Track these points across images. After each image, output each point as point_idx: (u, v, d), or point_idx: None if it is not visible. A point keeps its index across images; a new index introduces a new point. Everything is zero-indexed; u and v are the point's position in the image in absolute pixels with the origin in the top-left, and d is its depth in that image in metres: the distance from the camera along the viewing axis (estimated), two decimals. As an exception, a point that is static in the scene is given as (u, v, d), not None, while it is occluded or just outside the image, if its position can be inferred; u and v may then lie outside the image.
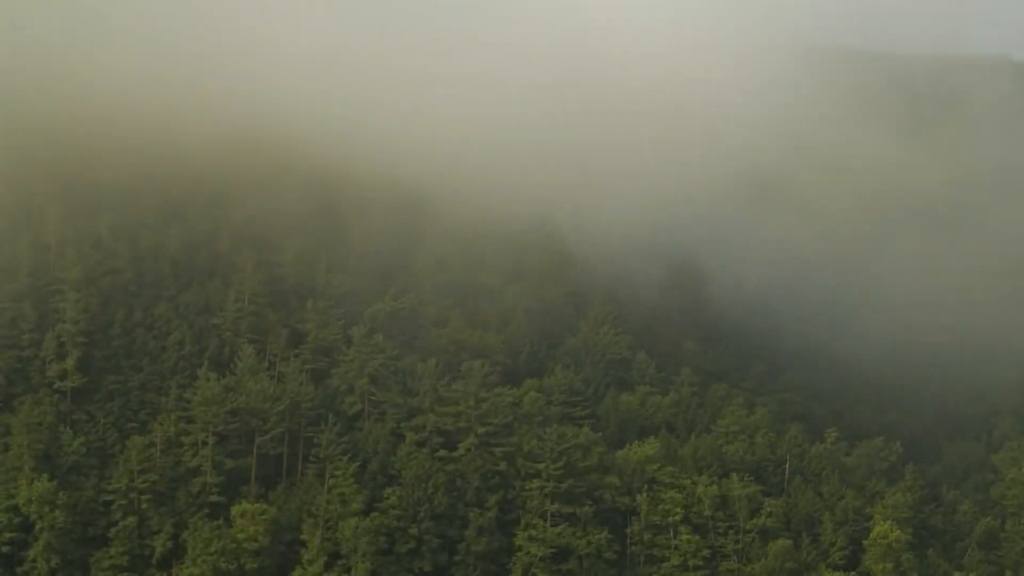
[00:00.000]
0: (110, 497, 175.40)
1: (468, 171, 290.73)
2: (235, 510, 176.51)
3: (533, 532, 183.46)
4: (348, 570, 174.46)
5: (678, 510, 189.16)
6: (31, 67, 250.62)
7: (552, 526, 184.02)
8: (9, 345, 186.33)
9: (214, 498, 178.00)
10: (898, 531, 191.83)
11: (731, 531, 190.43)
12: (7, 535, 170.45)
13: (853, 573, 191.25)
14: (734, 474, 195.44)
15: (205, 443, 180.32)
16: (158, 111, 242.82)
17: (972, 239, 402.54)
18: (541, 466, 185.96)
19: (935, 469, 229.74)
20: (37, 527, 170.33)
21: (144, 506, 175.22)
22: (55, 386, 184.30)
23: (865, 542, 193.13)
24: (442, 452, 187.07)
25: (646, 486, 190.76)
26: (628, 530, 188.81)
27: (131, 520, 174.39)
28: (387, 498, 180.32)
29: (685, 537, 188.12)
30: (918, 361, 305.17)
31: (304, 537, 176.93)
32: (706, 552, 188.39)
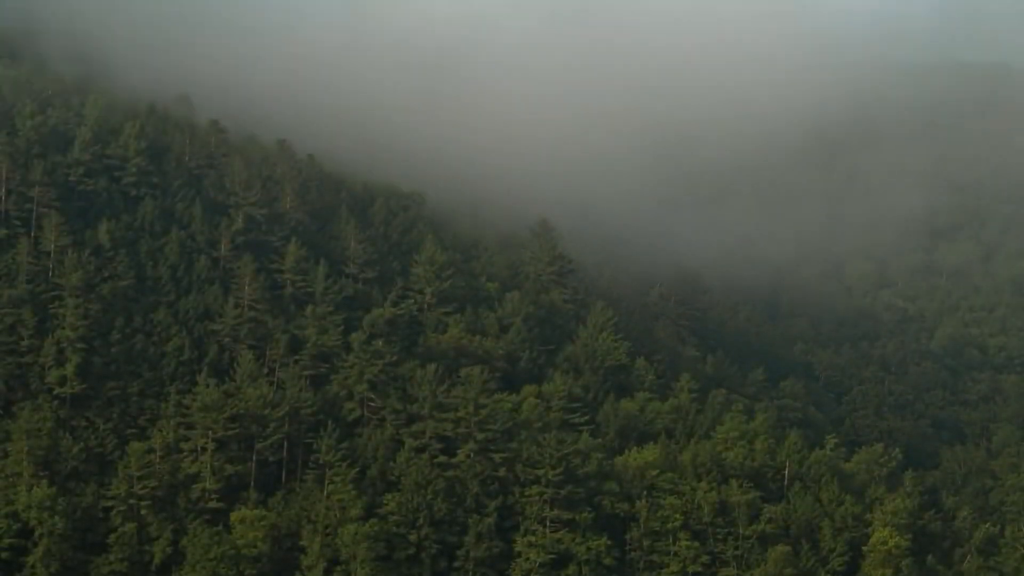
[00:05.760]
0: (109, 503, 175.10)
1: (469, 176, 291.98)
2: (234, 516, 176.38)
3: (532, 538, 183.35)
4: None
5: (677, 516, 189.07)
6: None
7: (551, 532, 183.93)
8: (8, 351, 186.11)
9: (213, 504, 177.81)
10: (897, 537, 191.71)
11: (730, 537, 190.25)
12: (6, 541, 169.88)
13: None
14: (733, 480, 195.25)
15: (204, 449, 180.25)
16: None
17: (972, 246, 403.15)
18: (540, 472, 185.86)
19: (934, 475, 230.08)
20: (36, 533, 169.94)
21: (143, 512, 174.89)
22: (54, 392, 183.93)
23: (864, 548, 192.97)
24: (441, 458, 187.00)
25: (645, 492, 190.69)
26: (627, 536, 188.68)
27: (130, 526, 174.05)
28: (386, 504, 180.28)
29: (684, 543, 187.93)
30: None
31: (303, 543, 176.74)
32: (705, 558, 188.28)
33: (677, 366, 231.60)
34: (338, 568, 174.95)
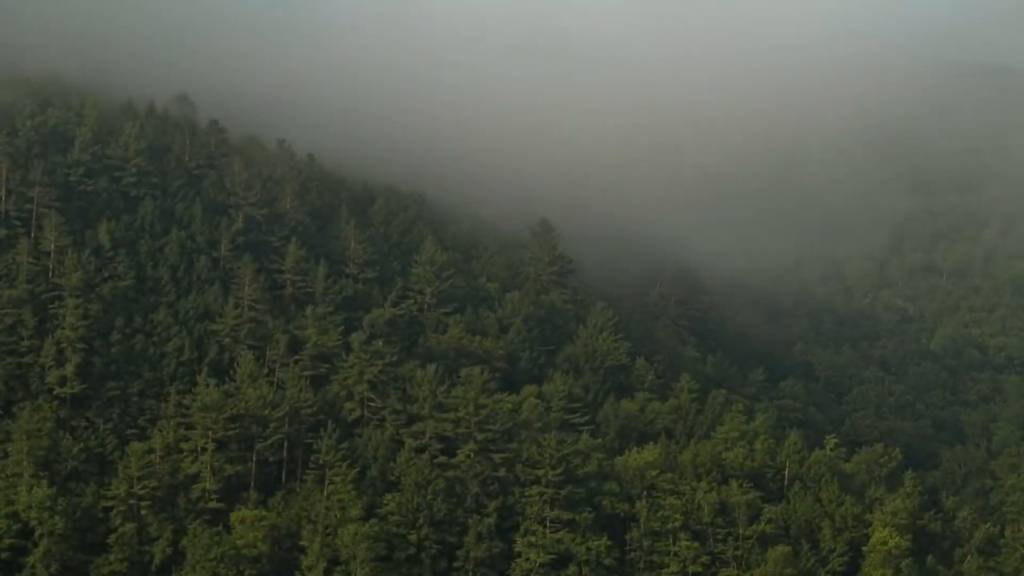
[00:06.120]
0: (109, 503, 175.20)
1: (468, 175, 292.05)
2: (234, 516, 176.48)
3: (532, 538, 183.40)
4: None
5: (677, 516, 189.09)
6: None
7: (551, 532, 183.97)
8: (9, 351, 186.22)
9: (213, 504, 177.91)
10: (897, 537, 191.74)
11: (730, 537, 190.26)
12: (7, 541, 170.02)
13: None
14: (733, 480, 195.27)
15: (204, 449, 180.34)
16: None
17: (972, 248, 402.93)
18: (540, 472, 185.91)
19: (934, 475, 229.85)
20: (36, 533, 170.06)
21: (143, 512, 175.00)
22: (54, 392, 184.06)
23: (864, 548, 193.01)
24: (441, 458, 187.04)
25: (645, 492, 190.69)
26: (627, 536, 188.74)
27: (130, 526, 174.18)
28: (386, 504, 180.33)
29: (684, 543, 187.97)
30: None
31: (303, 543, 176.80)
32: (705, 558, 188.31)
33: (677, 366, 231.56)
34: (338, 568, 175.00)
